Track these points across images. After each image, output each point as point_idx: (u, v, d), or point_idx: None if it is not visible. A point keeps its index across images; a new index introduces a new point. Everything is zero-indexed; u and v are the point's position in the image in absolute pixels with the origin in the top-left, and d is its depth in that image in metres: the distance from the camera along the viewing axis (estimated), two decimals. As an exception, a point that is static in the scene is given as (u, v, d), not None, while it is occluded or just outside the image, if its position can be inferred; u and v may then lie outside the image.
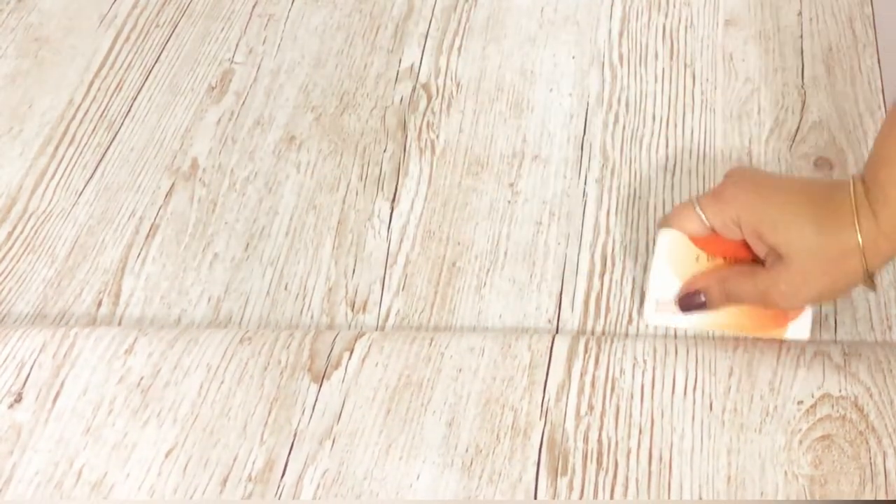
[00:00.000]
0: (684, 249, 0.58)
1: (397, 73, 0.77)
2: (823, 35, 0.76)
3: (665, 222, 0.59)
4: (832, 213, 0.52)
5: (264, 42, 0.81)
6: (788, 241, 0.53)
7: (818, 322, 0.60)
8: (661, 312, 0.59)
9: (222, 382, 0.57)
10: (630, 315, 0.62)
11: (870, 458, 0.52)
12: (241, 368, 0.58)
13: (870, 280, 0.52)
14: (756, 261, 0.57)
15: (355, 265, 0.66)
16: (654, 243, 0.60)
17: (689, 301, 0.58)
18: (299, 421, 0.55)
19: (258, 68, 0.79)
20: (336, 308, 0.64)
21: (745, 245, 0.57)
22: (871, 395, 0.55)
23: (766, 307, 0.56)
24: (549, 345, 0.59)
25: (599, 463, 0.53)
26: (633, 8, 0.80)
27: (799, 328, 0.58)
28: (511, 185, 0.69)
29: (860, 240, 0.51)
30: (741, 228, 0.55)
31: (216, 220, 0.69)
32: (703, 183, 0.68)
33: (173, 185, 0.71)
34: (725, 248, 0.58)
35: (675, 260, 0.59)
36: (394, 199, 0.69)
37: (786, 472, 0.52)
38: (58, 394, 0.57)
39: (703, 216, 0.57)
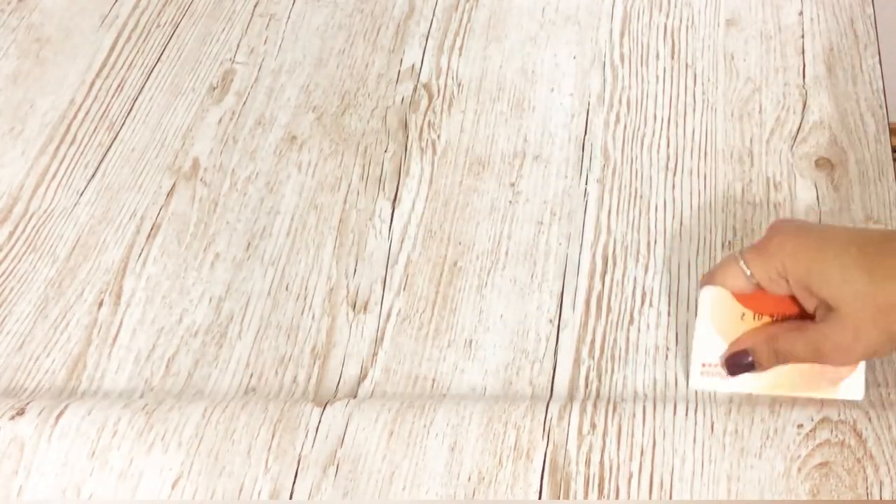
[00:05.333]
0: (729, 307, 0.55)
1: (398, 73, 0.77)
2: (825, 35, 0.76)
3: (708, 279, 0.56)
4: (884, 262, 0.49)
5: (265, 42, 0.81)
6: (839, 291, 0.50)
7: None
8: (708, 376, 0.56)
9: (226, 408, 0.57)
10: (631, 315, 0.62)
11: (867, 489, 0.52)
12: (246, 397, 0.58)
13: None
14: (805, 317, 0.54)
15: (356, 265, 0.66)
16: (696, 303, 0.56)
17: (736, 361, 0.55)
18: (303, 445, 0.55)
19: (259, 68, 0.79)
20: (337, 308, 0.64)
21: (794, 301, 0.54)
22: (869, 420, 0.54)
23: (818, 363, 0.53)
24: (551, 376, 0.59)
25: (601, 489, 0.53)
26: (634, 8, 0.80)
27: (852, 388, 0.55)
28: (512, 184, 0.69)
29: None
30: (788, 281, 0.52)
31: (217, 219, 0.69)
32: (705, 183, 0.68)
33: (174, 184, 0.71)
34: (773, 305, 0.55)
35: (719, 319, 0.55)
36: (395, 199, 0.69)
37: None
38: (62, 412, 0.57)
39: (746, 270, 0.53)
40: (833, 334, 0.51)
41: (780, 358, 0.54)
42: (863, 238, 0.51)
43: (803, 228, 0.54)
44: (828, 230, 0.53)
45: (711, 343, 0.56)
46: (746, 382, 0.55)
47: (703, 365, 0.56)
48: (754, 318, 0.55)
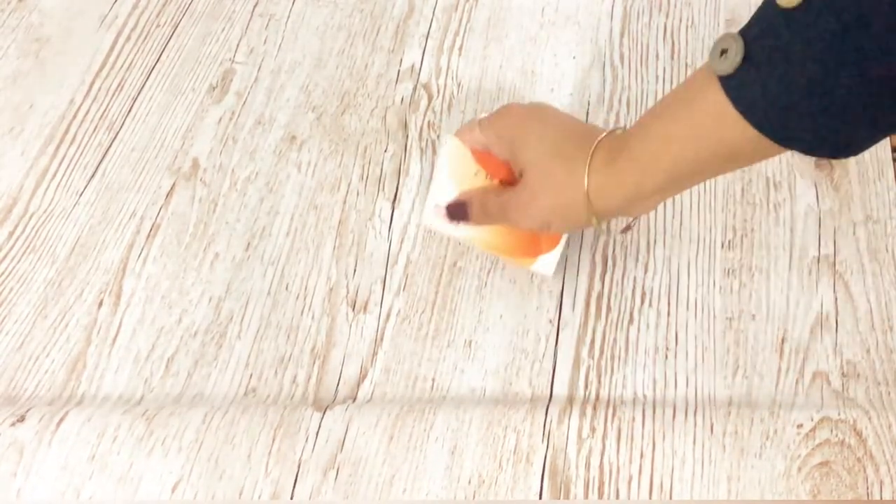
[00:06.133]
0: (465, 161, 0.60)
1: (398, 73, 0.77)
2: (824, 35, 0.76)
3: (456, 133, 0.61)
4: (575, 147, 0.53)
5: (265, 42, 0.81)
6: (527, 158, 0.55)
7: (819, 323, 0.60)
8: (438, 217, 0.61)
9: (226, 413, 0.57)
10: (631, 315, 0.62)
11: (867, 488, 0.52)
12: (246, 399, 0.58)
13: (597, 222, 0.53)
14: None
15: (356, 265, 0.66)
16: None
17: (455, 210, 0.60)
18: (303, 449, 0.55)
19: (259, 68, 0.79)
20: (337, 308, 0.64)
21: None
22: (869, 419, 0.54)
23: (506, 222, 0.57)
24: (551, 376, 0.59)
25: (601, 492, 0.53)
26: (633, 8, 0.80)
27: (546, 263, 0.60)
28: (512, 185, 0.69)
29: (586, 179, 0.52)
30: (503, 148, 0.57)
31: (217, 219, 0.69)
32: (703, 183, 0.68)
33: (174, 184, 0.71)
34: (505, 171, 0.59)
35: (455, 170, 0.60)
36: (395, 199, 0.69)
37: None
38: (62, 419, 0.57)
39: (478, 131, 0.58)
40: (516, 195, 0.56)
41: (486, 213, 0.59)
42: (576, 126, 0.56)
43: (537, 106, 0.58)
44: (558, 116, 0.57)
45: (446, 189, 0.61)
46: (466, 231, 0.61)
47: (436, 206, 0.61)
48: (486, 177, 0.60)
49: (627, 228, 0.60)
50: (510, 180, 0.59)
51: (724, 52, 0.43)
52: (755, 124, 0.43)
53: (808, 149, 0.43)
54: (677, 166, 0.48)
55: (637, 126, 0.51)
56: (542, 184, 0.54)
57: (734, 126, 0.44)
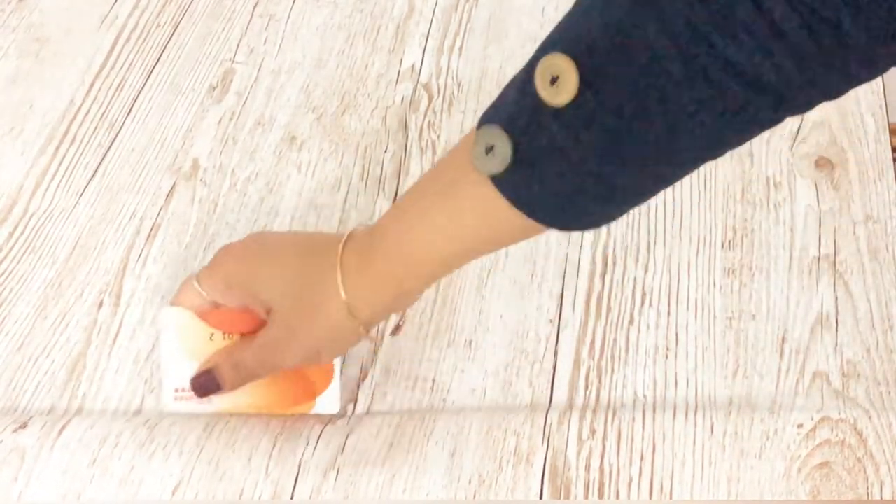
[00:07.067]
0: (196, 329, 0.53)
1: (398, 73, 0.77)
2: (825, 35, 0.76)
3: (172, 301, 0.54)
4: (318, 265, 0.48)
5: (265, 42, 0.81)
6: (270, 292, 0.49)
7: (819, 323, 0.60)
8: (183, 401, 0.54)
9: (228, 421, 0.57)
10: (631, 315, 0.62)
11: (867, 489, 0.52)
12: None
13: (365, 332, 0.49)
14: None
15: (356, 265, 0.66)
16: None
17: (202, 384, 0.52)
18: (303, 451, 0.55)
19: (259, 68, 0.79)
20: (337, 308, 0.64)
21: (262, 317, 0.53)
22: (870, 419, 0.54)
23: (267, 369, 0.52)
24: (551, 377, 0.59)
25: (601, 494, 0.53)
26: (634, 7, 0.80)
27: (327, 402, 0.55)
28: (512, 185, 0.69)
29: (342, 292, 0.47)
30: (237, 294, 0.51)
31: (217, 220, 0.69)
32: (703, 183, 0.68)
33: (174, 185, 0.71)
34: (242, 323, 0.53)
35: (187, 341, 0.53)
36: (395, 199, 0.69)
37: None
38: (64, 427, 0.57)
39: (198, 286, 0.52)
40: (272, 336, 0.50)
41: (241, 371, 0.52)
42: (307, 241, 0.51)
43: (255, 237, 0.53)
44: (278, 238, 0.53)
45: (181, 367, 0.54)
46: (222, 401, 0.54)
47: (176, 390, 0.54)
48: (224, 337, 0.53)
49: (398, 328, 0.56)
50: (254, 327, 0.52)
51: (489, 149, 0.41)
52: (534, 218, 0.42)
53: (585, 229, 0.43)
54: (445, 260, 0.46)
55: (390, 224, 0.47)
56: (295, 313, 0.49)
57: (509, 218, 0.42)
